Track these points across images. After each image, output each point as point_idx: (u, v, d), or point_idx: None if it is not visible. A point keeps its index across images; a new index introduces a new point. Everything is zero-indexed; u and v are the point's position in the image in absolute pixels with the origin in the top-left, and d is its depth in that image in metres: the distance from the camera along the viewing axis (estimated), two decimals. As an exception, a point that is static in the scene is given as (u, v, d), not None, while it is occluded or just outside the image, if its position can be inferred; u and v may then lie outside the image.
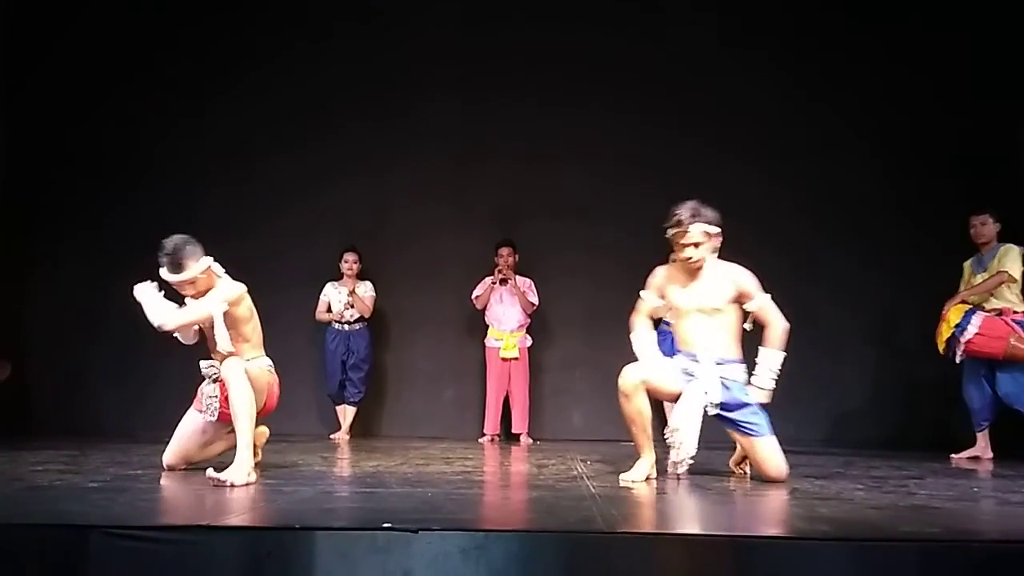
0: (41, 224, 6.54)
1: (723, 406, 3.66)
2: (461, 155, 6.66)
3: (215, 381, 3.74)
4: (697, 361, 3.69)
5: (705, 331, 3.73)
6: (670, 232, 3.73)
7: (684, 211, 3.66)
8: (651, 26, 6.61)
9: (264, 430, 3.94)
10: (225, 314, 3.62)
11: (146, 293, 3.63)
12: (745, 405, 3.69)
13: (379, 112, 6.69)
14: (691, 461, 3.63)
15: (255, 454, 3.80)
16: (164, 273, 3.64)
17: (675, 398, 3.72)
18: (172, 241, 3.64)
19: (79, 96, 6.63)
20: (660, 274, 3.93)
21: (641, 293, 3.96)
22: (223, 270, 3.77)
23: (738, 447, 3.89)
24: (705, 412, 3.64)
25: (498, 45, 6.67)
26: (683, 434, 3.57)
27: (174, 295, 3.73)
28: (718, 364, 3.68)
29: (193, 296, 3.70)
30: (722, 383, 3.66)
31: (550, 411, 6.56)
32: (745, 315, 3.80)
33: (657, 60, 6.58)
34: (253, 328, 3.78)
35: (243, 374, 3.55)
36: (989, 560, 2.25)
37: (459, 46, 6.69)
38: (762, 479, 3.70)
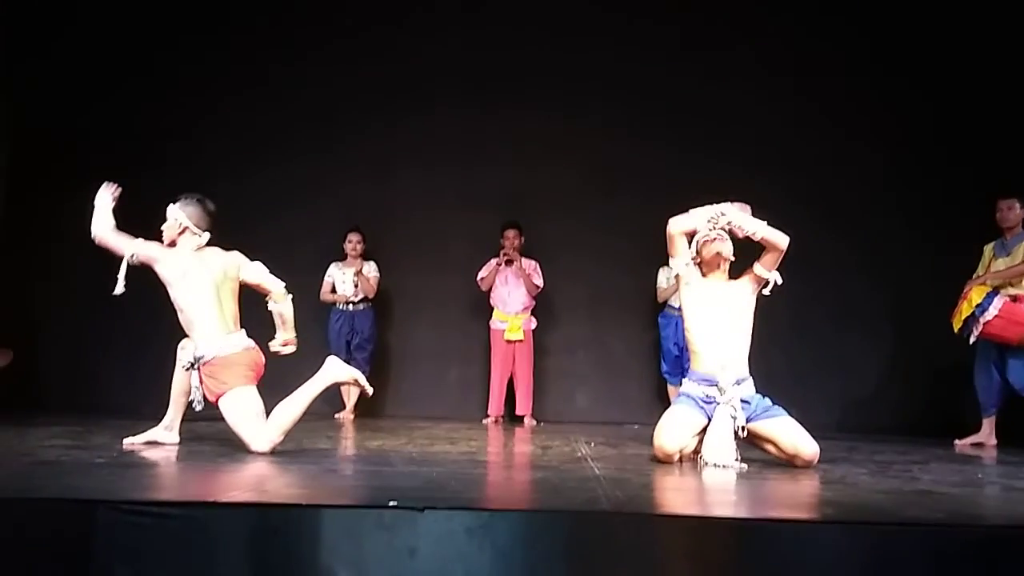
0: (52, 201, 6.51)
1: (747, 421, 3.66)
2: (468, 137, 6.62)
3: (191, 367, 3.76)
4: (717, 386, 3.66)
5: (726, 341, 3.73)
6: (702, 233, 3.80)
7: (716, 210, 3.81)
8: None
9: None
10: (164, 277, 3.82)
11: (101, 198, 4.02)
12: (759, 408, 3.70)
13: (386, 93, 6.64)
14: (736, 465, 3.51)
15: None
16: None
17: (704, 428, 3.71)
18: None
19: (93, 79, 6.56)
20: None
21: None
22: (193, 248, 3.91)
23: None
24: (736, 434, 3.62)
25: (504, 25, 6.63)
26: (718, 458, 3.53)
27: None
28: (736, 384, 3.66)
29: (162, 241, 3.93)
30: (742, 403, 3.65)
31: (554, 393, 6.56)
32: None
33: (660, 45, 6.56)
34: (195, 297, 3.81)
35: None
36: (994, 545, 2.25)
37: (466, 27, 6.65)
38: (792, 465, 3.59)
